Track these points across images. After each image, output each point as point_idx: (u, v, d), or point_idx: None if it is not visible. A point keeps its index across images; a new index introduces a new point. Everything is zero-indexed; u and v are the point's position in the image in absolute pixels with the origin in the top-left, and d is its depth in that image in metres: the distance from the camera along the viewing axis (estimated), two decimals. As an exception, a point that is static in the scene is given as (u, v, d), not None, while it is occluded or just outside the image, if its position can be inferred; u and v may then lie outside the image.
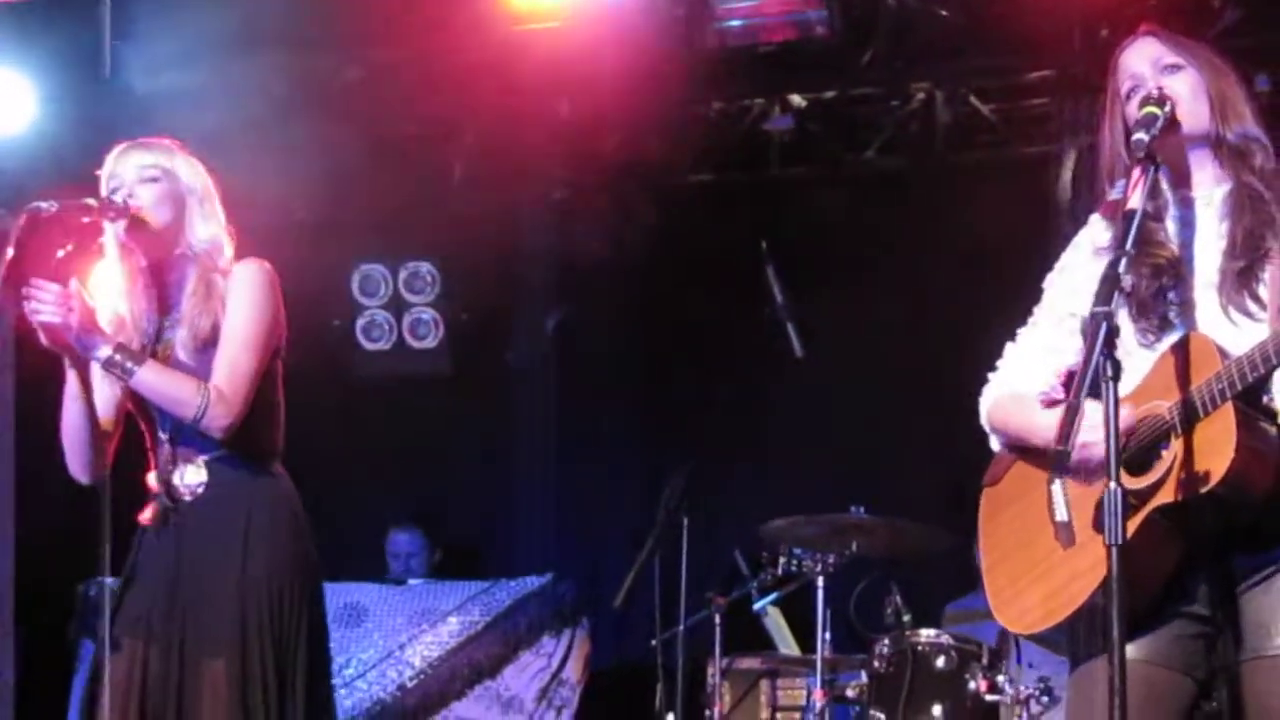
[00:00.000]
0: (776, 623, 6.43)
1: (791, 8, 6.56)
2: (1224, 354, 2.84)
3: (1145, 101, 2.99)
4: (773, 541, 5.77)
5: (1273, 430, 2.84)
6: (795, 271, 7.33)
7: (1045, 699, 5.13)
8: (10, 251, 3.59)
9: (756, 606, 6.29)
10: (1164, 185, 3.06)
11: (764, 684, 6.15)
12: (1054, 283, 3.22)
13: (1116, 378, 2.70)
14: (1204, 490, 2.78)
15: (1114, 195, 3.05)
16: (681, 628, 5.83)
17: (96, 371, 3.83)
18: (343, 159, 7.01)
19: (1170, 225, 3.06)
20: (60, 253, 3.72)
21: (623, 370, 7.67)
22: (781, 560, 5.80)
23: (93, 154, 3.94)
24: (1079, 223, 3.24)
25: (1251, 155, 3.03)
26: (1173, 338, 2.96)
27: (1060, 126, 6.56)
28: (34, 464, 6.16)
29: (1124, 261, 2.76)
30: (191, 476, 3.85)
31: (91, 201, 3.79)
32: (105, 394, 3.93)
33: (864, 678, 5.47)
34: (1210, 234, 3.03)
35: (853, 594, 5.87)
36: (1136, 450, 2.89)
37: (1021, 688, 5.18)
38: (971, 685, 5.27)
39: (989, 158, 6.99)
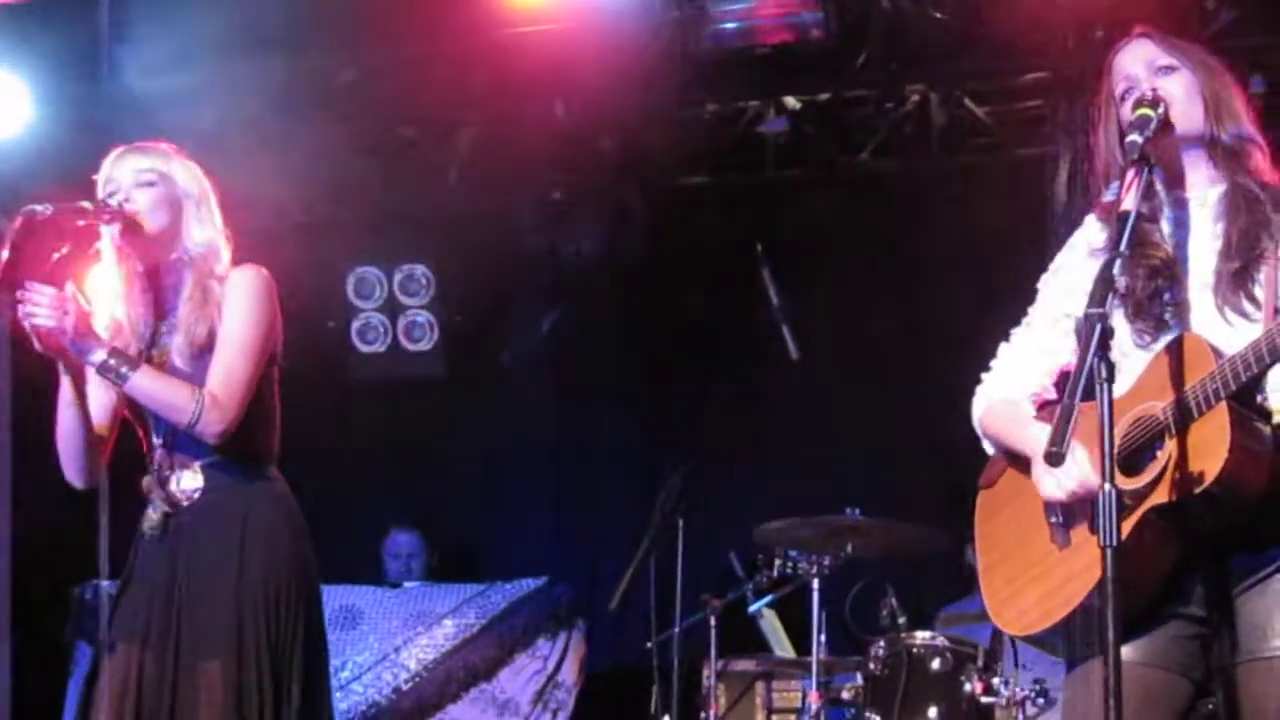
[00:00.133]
0: (772, 625, 6.43)
1: (786, 10, 6.56)
2: (1218, 354, 2.83)
3: (1139, 103, 3.00)
4: (768, 543, 5.76)
5: (1267, 430, 2.83)
6: (790, 273, 7.35)
7: (1040, 701, 5.13)
8: (5, 254, 3.56)
9: (752, 608, 6.29)
10: (1158, 186, 3.06)
11: (759, 686, 6.14)
12: (1048, 283, 3.22)
13: (1111, 379, 2.70)
14: (1198, 490, 2.78)
15: (1109, 197, 3.06)
16: (677, 630, 5.84)
17: (92, 376, 3.82)
18: (338, 161, 7.01)
19: (1165, 226, 3.06)
20: (55, 256, 3.72)
21: (618, 372, 7.67)
22: (777, 562, 5.80)
23: (89, 156, 3.93)
24: (1074, 224, 3.24)
25: (1246, 156, 3.04)
26: (1169, 339, 2.96)
27: (1054, 129, 6.55)
28: (30, 467, 6.15)
29: (1119, 263, 2.76)
30: (188, 482, 3.85)
31: (87, 205, 3.78)
32: (100, 399, 3.92)
33: (859, 680, 5.46)
34: (1205, 235, 3.03)
35: (848, 596, 5.87)
36: (1131, 451, 2.89)
37: (1017, 690, 5.17)
38: (967, 687, 5.26)
39: (983, 160, 6.98)
